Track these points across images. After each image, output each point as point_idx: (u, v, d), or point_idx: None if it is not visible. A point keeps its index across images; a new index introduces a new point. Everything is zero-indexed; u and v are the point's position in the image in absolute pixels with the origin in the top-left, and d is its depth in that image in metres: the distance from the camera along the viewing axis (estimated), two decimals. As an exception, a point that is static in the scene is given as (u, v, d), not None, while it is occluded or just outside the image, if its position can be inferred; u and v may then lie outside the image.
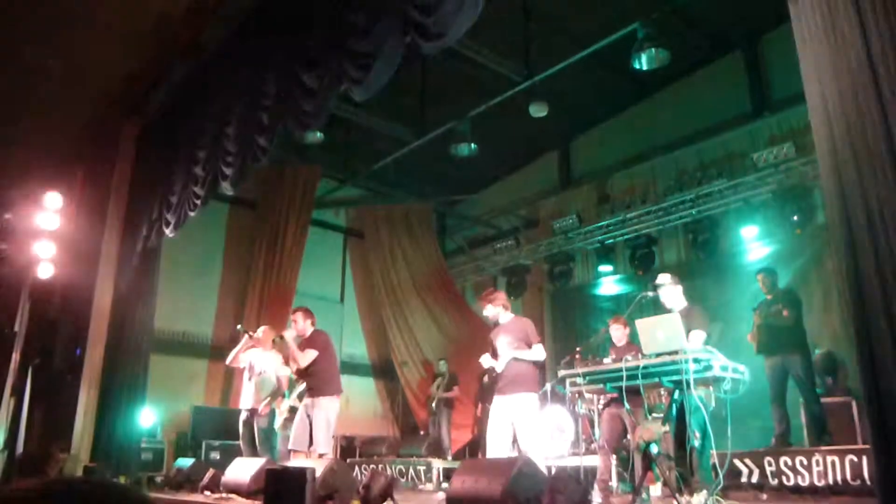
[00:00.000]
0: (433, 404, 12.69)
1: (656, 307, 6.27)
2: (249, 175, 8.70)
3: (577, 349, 7.41)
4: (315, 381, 7.35)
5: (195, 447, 10.92)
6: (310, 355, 7.30)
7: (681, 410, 5.42)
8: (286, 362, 8.05)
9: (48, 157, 11.76)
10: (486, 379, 7.29)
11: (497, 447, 6.37)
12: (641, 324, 5.55)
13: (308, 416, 7.27)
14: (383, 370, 15.30)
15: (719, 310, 10.03)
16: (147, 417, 10.73)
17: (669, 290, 6.23)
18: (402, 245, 15.31)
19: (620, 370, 5.54)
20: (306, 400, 7.42)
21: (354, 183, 14.75)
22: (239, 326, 8.58)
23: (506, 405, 6.44)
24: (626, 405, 6.95)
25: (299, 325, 7.52)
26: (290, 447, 7.35)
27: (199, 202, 9.07)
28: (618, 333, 7.52)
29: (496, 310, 6.85)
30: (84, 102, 10.84)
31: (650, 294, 6.25)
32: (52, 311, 10.96)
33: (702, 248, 11.26)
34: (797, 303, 8.02)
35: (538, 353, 6.57)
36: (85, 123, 11.29)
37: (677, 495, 5.30)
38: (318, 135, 11.05)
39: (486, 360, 6.71)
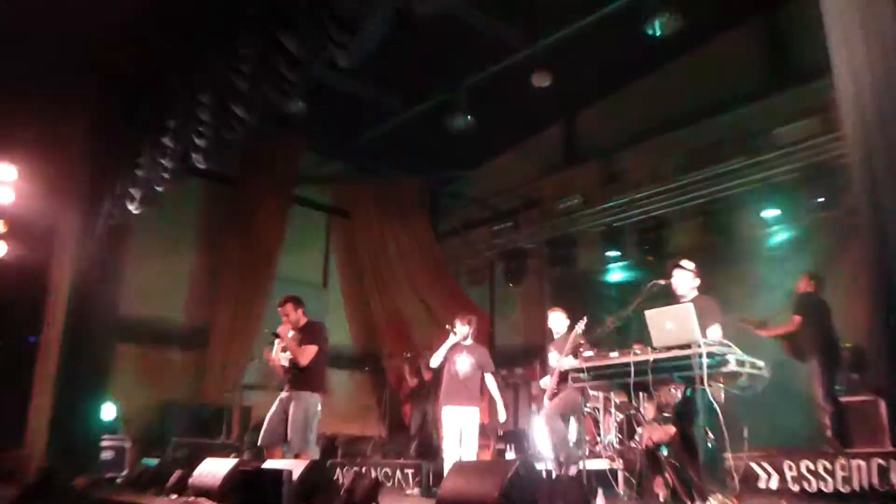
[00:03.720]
0: (416, 382, 12.55)
1: (667, 296, 6.24)
2: (225, 148, 8.63)
3: (581, 342, 7.41)
4: (300, 373, 7.28)
5: (162, 445, 10.89)
6: (310, 352, 7.24)
7: (692, 409, 5.39)
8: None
9: (0, 124, 11.63)
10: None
11: (454, 453, 7.83)
12: (652, 315, 5.52)
13: (284, 410, 7.22)
14: (369, 362, 15.26)
15: (735, 300, 10.02)
16: (109, 412, 10.68)
17: (686, 277, 6.22)
18: (392, 225, 15.23)
19: (627, 365, 5.51)
20: (283, 394, 7.37)
21: (340, 157, 14.65)
22: (266, 330, 8.39)
23: (459, 415, 8.01)
24: (635, 402, 6.96)
25: (292, 318, 7.46)
26: (260, 443, 7.29)
27: (168, 176, 8.99)
28: (558, 324, 8.19)
29: (468, 331, 8.27)
30: (42, 64, 10.70)
31: (661, 282, 6.22)
32: (4, 293, 10.86)
33: (717, 231, 11.21)
34: (810, 307, 8.14)
35: (493, 384, 8.30)
36: (43, 88, 11.15)
37: (688, 502, 5.28)
38: (301, 104, 10.97)
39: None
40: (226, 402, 12.41)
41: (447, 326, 8.39)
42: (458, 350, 8.26)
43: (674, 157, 12.12)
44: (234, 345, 12.87)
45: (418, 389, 12.51)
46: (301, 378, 7.26)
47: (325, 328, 7.60)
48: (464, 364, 8.16)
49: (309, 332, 7.39)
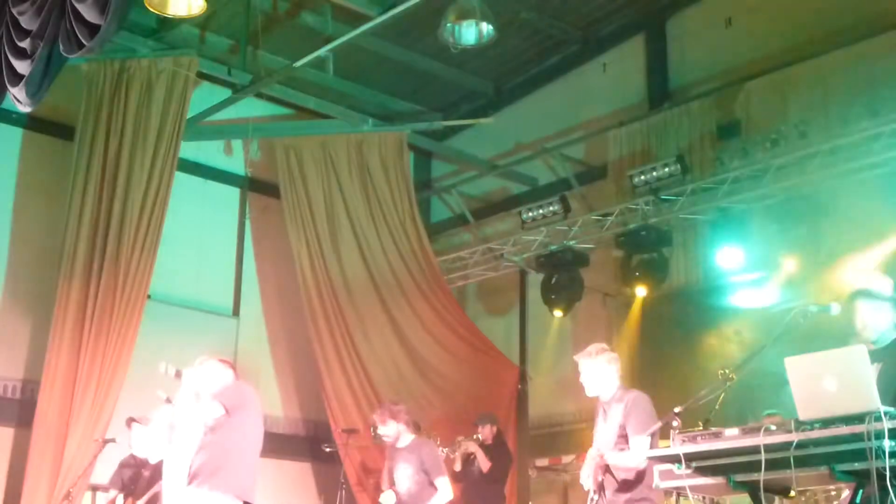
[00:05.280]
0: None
1: (825, 334, 6.24)
2: (60, 75, 8.65)
3: (676, 410, 7.42)
4: (207, 462, 7.34)
5: None
6: (214, 408, 7.40)
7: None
8: None
9: None
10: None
11: None
12: (797, 364, 5.53)
13: None
14: (312, 442, 15.28)
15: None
16: None
17: (879, 309, 6.16)
18: (351, 208, 15.25)
19: (756, 450, 5.50)
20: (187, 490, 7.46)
21: (262, 91, 14.66)
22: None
23: None
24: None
25: (214, 374, 7.75)
26: None
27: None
28: (595, 369, 7.97)
29: (398, 428, 9.30)
30: None
31: (814, 309, 6.21)
32: None
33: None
34: None
35: (445, 494, 9.10)
36: None
37: None
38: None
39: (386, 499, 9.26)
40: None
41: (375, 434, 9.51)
42: (395, 456, 9.15)
43: (838, 94, 12.08)
44: (77, 416, 12.81)
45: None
46: (205, 470, 7.30)
47: (249, 391, 7.68)
48: (403, 475, 9.15)
49: (228, 396, 7.48)
